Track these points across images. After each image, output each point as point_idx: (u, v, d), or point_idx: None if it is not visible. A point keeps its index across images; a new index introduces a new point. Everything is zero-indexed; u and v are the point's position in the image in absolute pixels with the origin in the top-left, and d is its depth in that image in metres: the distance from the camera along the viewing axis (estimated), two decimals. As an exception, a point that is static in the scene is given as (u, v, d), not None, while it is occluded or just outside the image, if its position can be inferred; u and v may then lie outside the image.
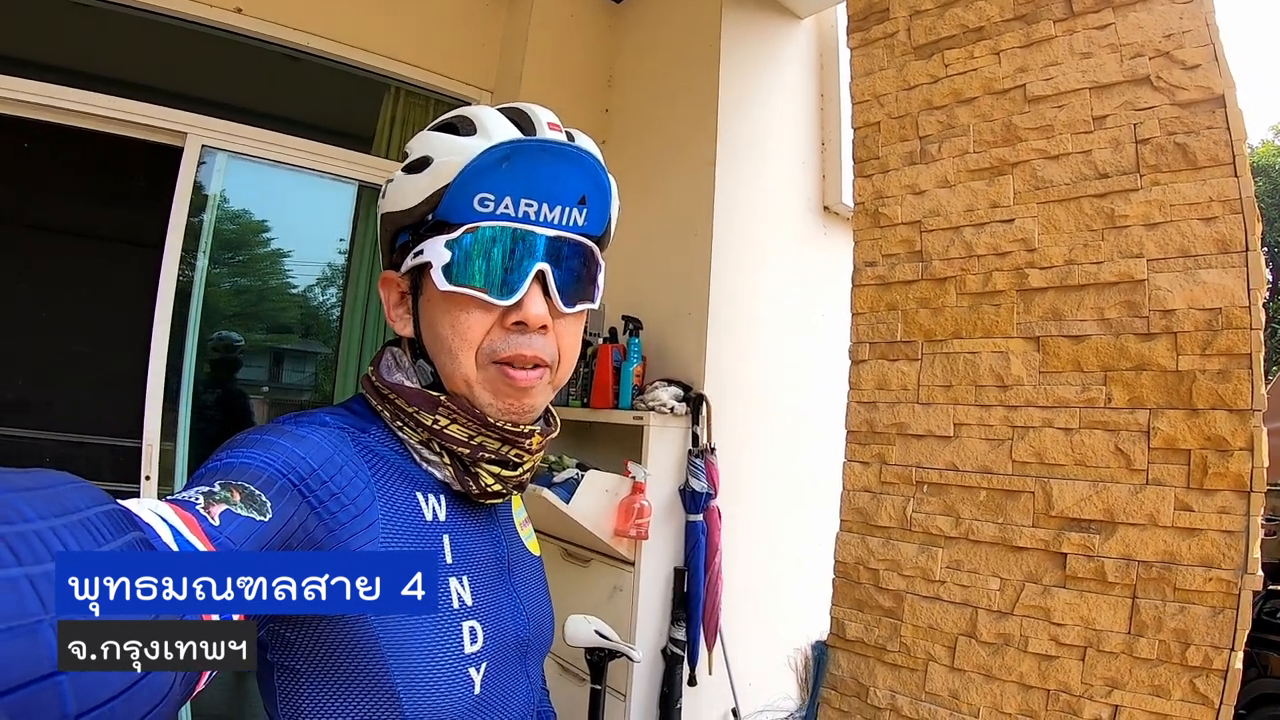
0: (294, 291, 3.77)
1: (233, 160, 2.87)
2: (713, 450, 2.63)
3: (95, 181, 2.79)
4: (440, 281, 0.74)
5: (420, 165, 0.76)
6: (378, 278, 3.15)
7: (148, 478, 2.62)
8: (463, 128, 0.78)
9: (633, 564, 2.55)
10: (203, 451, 2.80)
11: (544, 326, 0.78)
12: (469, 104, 3.23)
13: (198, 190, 2.75)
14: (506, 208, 0.73)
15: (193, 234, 2.75)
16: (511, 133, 0.76)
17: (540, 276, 0.76)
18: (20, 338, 2.67)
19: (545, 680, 1.18)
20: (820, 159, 3.35)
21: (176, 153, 2.69)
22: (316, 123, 3.08)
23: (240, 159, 2.87)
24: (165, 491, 2.67)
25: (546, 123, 0.78)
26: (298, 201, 3.41)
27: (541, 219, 0.75)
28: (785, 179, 3.18)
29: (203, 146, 2.73)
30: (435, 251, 0.75)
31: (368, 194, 3.23)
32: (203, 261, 2.81)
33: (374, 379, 0.84)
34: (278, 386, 4.02)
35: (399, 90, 3.19)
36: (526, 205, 0.74)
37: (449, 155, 0.74)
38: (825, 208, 3.37)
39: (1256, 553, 1.54)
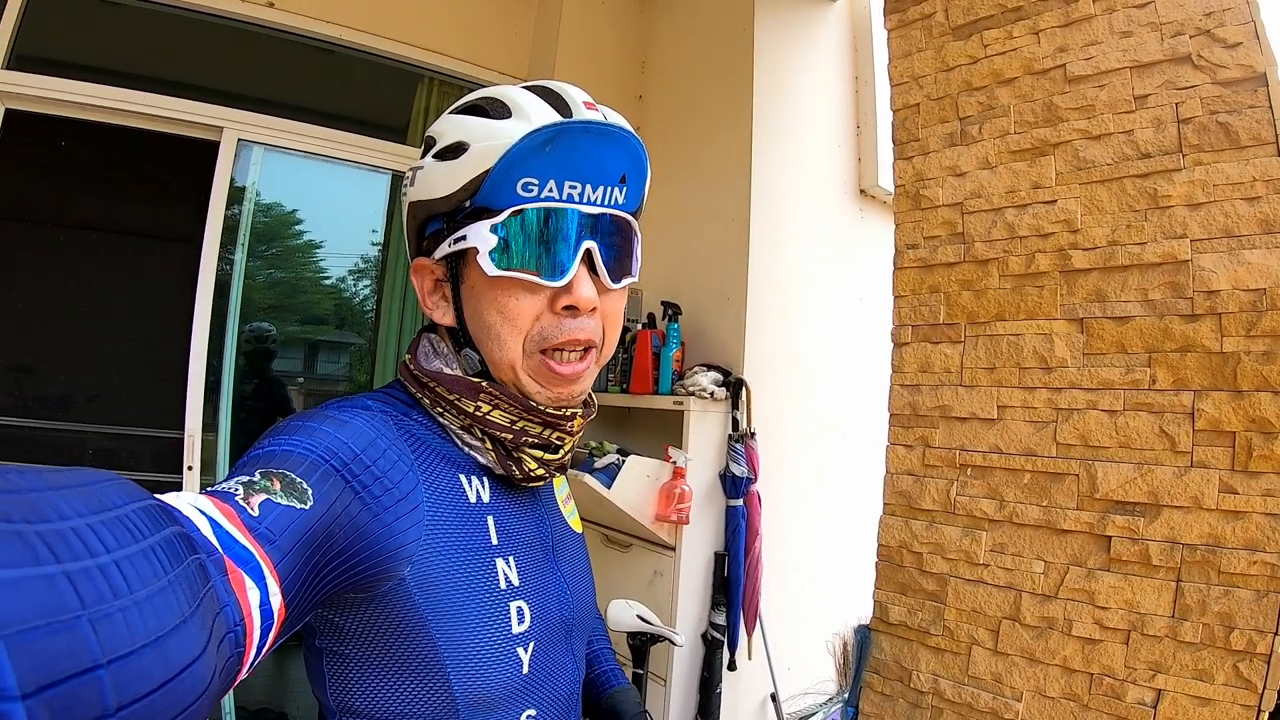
0: (328, 282, 3.80)
1: (269, 153, 2.90)
2: (753, 435, 2.63)
3: (132, 178, 2.82)
4: (488, 267, 0.73)
5: (455, 151, 0.75)
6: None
7: (190, 468, 2.67)
8: (493, 110, 0.76)
9: (673, 549, 2.56)
10: (244, 441, 2.85)
11: (594, 309, 0.78)
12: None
13: (234, 184, 2.78)
14: (550, 191, 0.73)
15: (230, 228, 2.78)
16: (549, 114, 0.74)
17: (588, 255, 0.76)
18: (63, 334, 2.72)
19: (610, 639, 1.20)
20: (856, 142, 3.33)
21: (213, 148, 2.73)
22: (351, 114, 3.10)
23: (276, 152, 2.90)
24: (207, 481, 2.72)
25: (582, 102, 0.77)
26: (332, 193, 3.43)
27: (585, 199, 0.75)
28: (821, 162, 3.16)
29: (239, 140, 2.76)
30: (480, 236, 0.74)
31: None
32: (240, 255, 2.84)
33: (412, 367, 0.84)
34: (313, 377, 4.07)
35: (432, 80, 3.21)
36: (570, 188, 0.73)
37: (486, 140, 0.73)
38: (861, 191, 3.35)
39: (1302, 536, 1.52)
